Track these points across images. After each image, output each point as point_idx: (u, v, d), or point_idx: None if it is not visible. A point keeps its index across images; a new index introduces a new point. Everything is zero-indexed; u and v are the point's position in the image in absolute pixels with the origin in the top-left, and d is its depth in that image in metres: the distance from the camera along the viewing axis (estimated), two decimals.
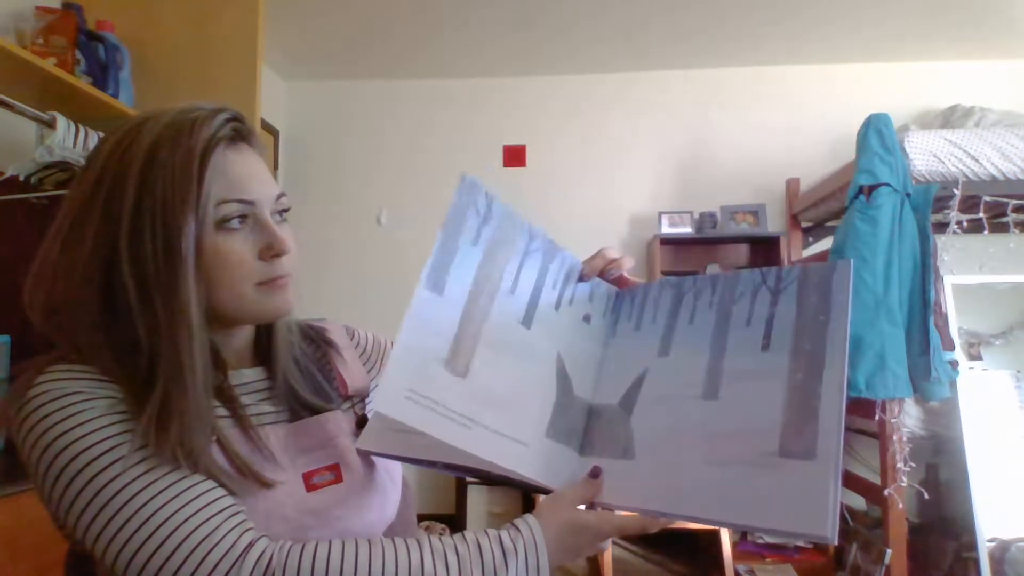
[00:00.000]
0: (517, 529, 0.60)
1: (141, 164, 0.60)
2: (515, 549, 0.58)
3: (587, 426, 0.68)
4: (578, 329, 0.72)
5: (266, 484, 0.61)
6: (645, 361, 0.68)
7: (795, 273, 0.64)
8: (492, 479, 0.65)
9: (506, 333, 0.66)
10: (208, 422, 0.60)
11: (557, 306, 0.72)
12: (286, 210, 0.68)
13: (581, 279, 0.74)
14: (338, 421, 0.71)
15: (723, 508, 0.56)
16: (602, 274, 0.75)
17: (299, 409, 0.70)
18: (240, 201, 0.63)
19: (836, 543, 0.53)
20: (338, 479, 0.67)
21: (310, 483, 0.65)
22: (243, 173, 0.64)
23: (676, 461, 0.61)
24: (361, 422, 0.74)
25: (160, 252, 0.59)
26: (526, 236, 0.70)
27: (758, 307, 0.64)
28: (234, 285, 0.63)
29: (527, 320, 0.68)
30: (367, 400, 0.80)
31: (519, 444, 0.63)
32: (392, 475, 0.75)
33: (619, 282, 0.77)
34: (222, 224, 0.62)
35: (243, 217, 0.63)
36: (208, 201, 0.60)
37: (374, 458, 0.72)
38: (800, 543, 2.73)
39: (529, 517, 0.61)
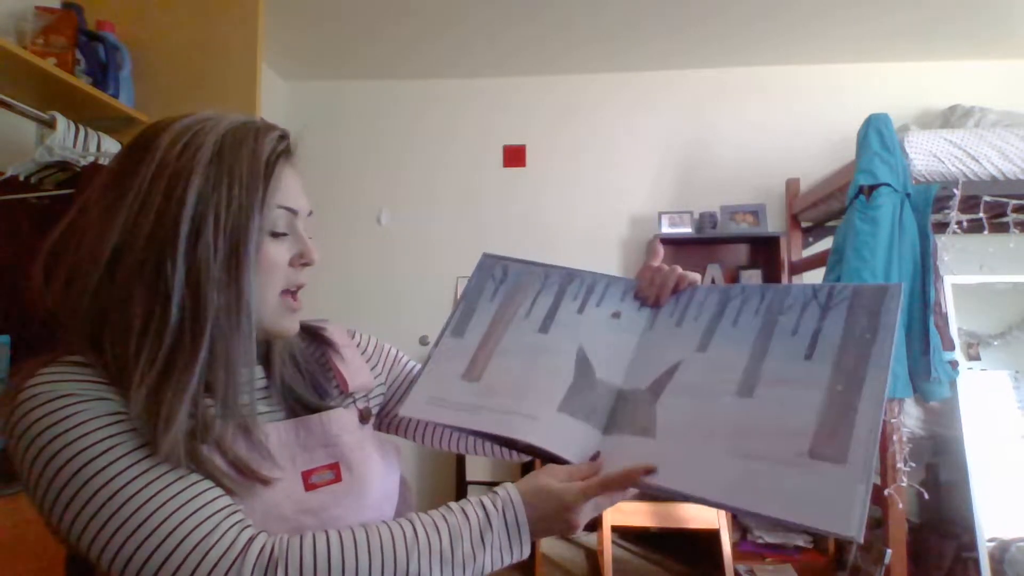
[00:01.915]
0: (495, 492, 0.65)
1: (207, 161, 0.62)
2: (495, 508, 0.63)
3: (614, 408, 0.69)
4: (606, 325, 0.75)
5: (265, 481, 0.61)
6: (681, 353, 0.70)
7: (847, 292, 0.66)
8: (520, 449, 0.72)
9: (520, 343, 0.75)
10: (211, 420, 0.60)
11: (581, 310, 0.77)
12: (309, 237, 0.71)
13: (638, 295, 0.77)
14: (340, 419, 0.71)
15: (747, 497, 0.58)
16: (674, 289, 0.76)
17: (296, 407, 0.71)
18: (288, 209, 0.67)
19: (862, 541, 0.54)
20: (337, 478, 0.67)
21: (309, 482, 0.66)
22: (291, 185, 0.68)
23: (699, 447, 0.62)
24: (364, 416, 0.75)
25: (222, 246, 0.61)
26: (541, 278, 0.81)
27: (806, 320, 0.66)
28: (264, 288, 0.65)
29: (544, 328, 0.76)
30: (369, 396, 0.81)
31: (528, 418, 0.68)
32: (390, 476, 0.75)
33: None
34: (271, 229, 0.65)
35: (286, 225, 0.67)
36: (270, 205, 0.64)
37: (374, 456, 0.72)
38: (800, 543, 2.73)
39: (506, 483, 0.66)
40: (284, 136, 0.68)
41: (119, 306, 0.60)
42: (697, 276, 0.77)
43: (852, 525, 0.52)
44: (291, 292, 0.69)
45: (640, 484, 0.62)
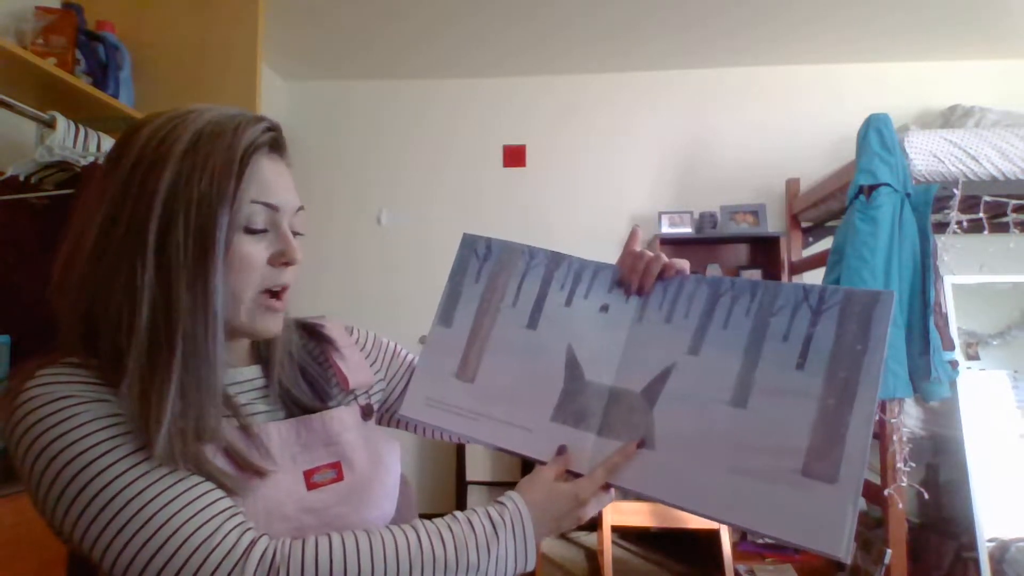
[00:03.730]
0: (503, 504, 0.65)
1: (181, 154, 0.60)
2: (503, 521, 0.63)
3: (606, 408, 0.69)
4: (594, 319, 0.74)
5: (262, 473, 0.61)
6: (673, 355, 0.69)
7: (838, 296, 0.65)
8: (521, 457, 0.72)
9: (510, 339, 0.75)
10: (206, 422, 0.60)
11: (568, 303, 0.75)
12: (299, 234, 0.69)
13: (621, 283, 0.74)
14: (341, 418, 0.71)
15: (741, 513, 0.60)
16: (645, 276, 0.73)
17: (293, 408, 0.71)
18: (266, 205, 0.64)
19: (848, 562, 0.56)
20: (339, 477, 0.67)
21: (311, 481, 0.65)
22: (273, 180, 0.65)
23: (698, 461, 0.63)
24: (367, 412, 0.75)
25: (191, 243, 0.59)
26: (526, 257, 0.79)
27: (797, 324, 0.65)
28: (239, 286, 0.63)
29: (532, 323, 0.76)
30: (370, 392, 0.81)
31: (523, 430, 0.71)
32: (391, 472, 0.75)
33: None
34: (246, 225, 0.63)
35: (265, 221, 0.65)
36: (242, 200, 0.62)
37: (375, 454, 0.72)
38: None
39: (512, 492, 0.66)
40: (271, 128, 0.66)
41: (102, 303, 0.59)
42: (685, 263, 0.74)
43: (841, 545, 0.55)
44: (272, 292, 0.66)
45: (642, 496, 0.65)
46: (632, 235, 0.77)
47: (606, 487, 0.67)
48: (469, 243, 0.81)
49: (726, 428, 0.64)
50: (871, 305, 0.63)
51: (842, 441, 0.59)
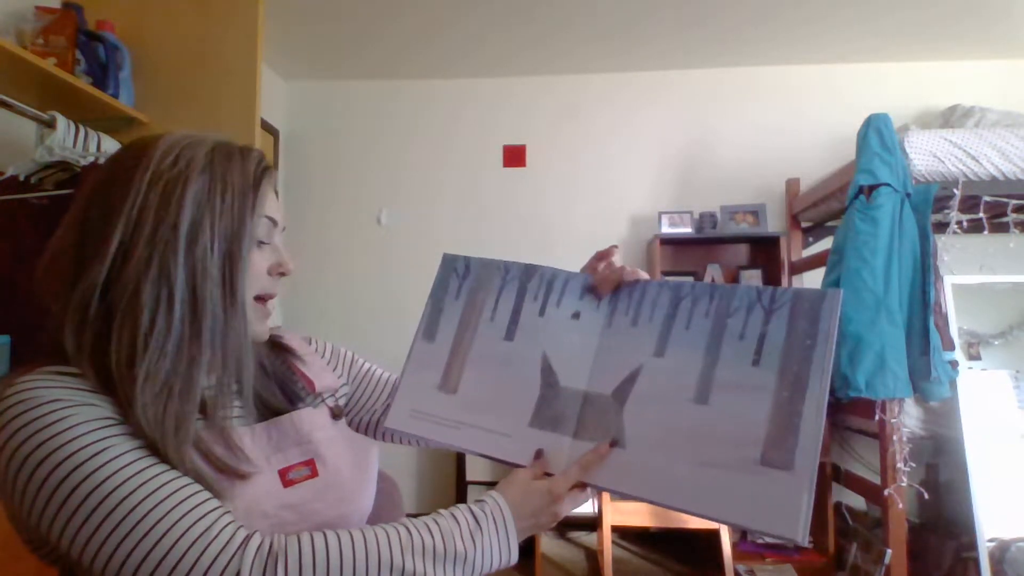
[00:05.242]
0: (483, 500, 0.69)
1: (200, 169, 0.66)
2: (484, 514, 0.67)
3: (581, 412, 0.73)
4: (566, 326, 0.78)
5: (243, 476, 0.63)
6: (640, 358, 0.73)
7: (788, 296, 0.69)
8: (501, 462, 0.75)
9: (489, 352, 0.79)
10: (192, 426, 0.61)
11: (542, 312, 0.79)
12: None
13: (592, 290, 0.78)
14: (311, 418, 0.74)
15: (706, 503, 0.64)
16: (618, 284, 0.77)
17: (264, 411, 0.73)
18: (271, 220, 0.72)
19: (806, 545, 0.57)
20: (313, 474, 0.69)
21: (287, 479, 0.67)
22: (273, 199, 0.73)
23: (665, 456, 0.67)
24: (336, 414, 0.79)
25: (216, 247, 0.65)
26: (501, 273, 0.83)
27: (751, 323, 0.70)
28: (244, 292, 0.68)
29: (509, 335, 0.79)
30: (336, 395, 0.85)
31: (503, 436, 0.74)
32: (367, 469, 0.77)
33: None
34: (257, 237, 0.70)
35: (267, 234, 0.72)
36: (258, 214, 0.69)
37: (348, 451, 0.75)
38: (800, 543, 2.73)
39: (490, 491, 0.71)
40: (263, 156, 0.73)
41: (129, 301, 0.61)
42: (645, 275, 0.77)
43: (797, 529, 0.58)
44: (263, 299, 0.72)
45: (614, 492, 0.68)
46: (608, 250, 0.81)
47: (581, 486, 0.69)
48: (449, 262, 0.86)
49: (690, 424, 0.67)
50: (818, 303, 0.67)
51: (796, 430, 0.62)
